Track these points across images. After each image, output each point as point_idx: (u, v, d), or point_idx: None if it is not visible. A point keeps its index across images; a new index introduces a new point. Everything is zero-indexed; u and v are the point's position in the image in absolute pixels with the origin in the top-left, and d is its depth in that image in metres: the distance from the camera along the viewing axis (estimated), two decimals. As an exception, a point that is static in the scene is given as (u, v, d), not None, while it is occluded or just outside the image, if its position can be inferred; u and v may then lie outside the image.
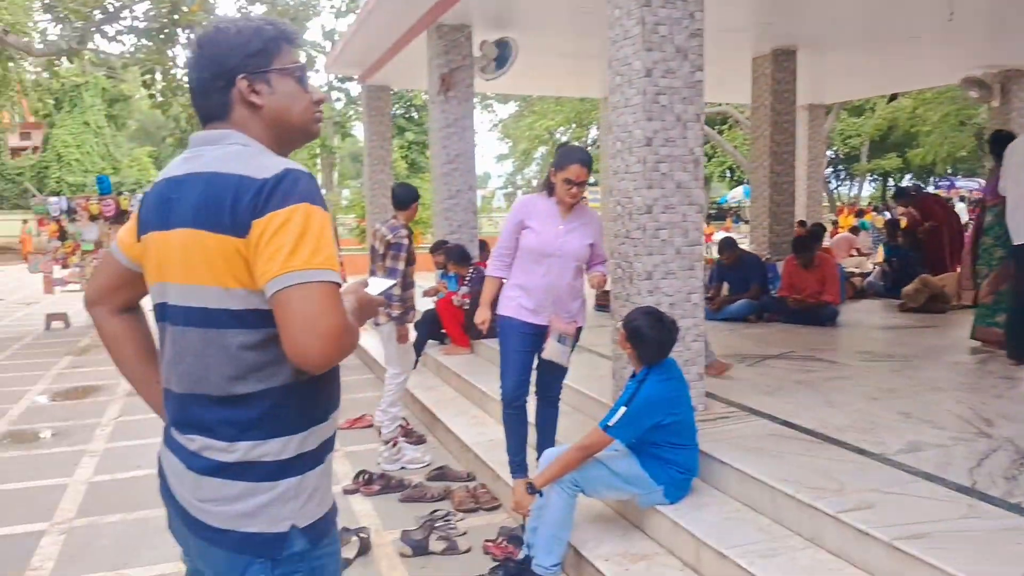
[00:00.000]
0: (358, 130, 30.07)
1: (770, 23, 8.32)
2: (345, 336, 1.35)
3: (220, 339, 1.43)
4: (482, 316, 4.09)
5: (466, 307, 6.66)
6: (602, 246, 3.90)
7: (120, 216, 11.15)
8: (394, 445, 4.98)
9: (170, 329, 1.53)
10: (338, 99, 20.50)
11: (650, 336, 3.28)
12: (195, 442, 1.47)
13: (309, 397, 1.49)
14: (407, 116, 26.44)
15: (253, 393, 1.44)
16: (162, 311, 1.56)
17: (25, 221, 28.88)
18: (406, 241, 4.82)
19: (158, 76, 11.21)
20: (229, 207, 1.37)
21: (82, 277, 11.26)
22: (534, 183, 51.62)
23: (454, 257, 6.89)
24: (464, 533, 3.89)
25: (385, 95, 11.25)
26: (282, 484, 1.46)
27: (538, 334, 3.84)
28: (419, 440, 5.46)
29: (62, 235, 11.11)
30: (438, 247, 7.25)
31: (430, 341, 7.00)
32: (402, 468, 4.89)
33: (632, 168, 4.10)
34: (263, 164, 1.40)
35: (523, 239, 3.87)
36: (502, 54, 7.75)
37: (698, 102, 4.14)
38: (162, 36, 9.64)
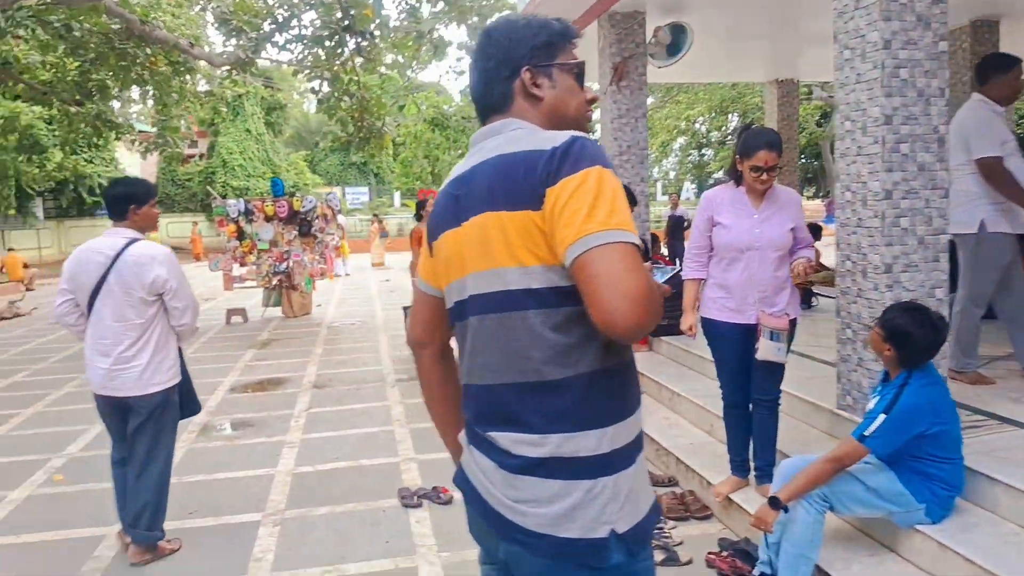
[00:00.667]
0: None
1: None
2: (652, 298, 1.26)
3: (523, 322, 1.37)
4: (688, 322, 3.83)
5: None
6: (805, 228, 3.55)
7: (293, 216, 11.64)
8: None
9: (471, 322, 1.48)
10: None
11: (918, 336, 2.91)
12: (504, 438, 1.41)
13: (618, 386, 1.42)
14: None
15: (562, 380, 1.37)
16: (460, 310, 1.52)
17: (195, 223, 31.18)
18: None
19: (324, 85, 11.58)
20: (522, 181, 1.35)
21: (258, 275, 11.86)
22: (671, 175, 50.54)
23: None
24: (680, 543, 3.65)
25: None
26: (599, 483, 1.36)
27: (747, 333, 3.55)
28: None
29: (240, 235, 11.72)
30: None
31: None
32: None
33: (867, 149, 3.71)
34: (549, 136, 1.38)
35: (716, 236, 3.59)
36: (676, 40, 7.41)
37: (942, 75, 3.70)
38: (331, 43, 9.93)
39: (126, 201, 3.46)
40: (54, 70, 10.79)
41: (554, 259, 1.33)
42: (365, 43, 9.67)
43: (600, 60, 7.47)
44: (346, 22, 9.33)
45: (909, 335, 2.92)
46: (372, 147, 12.00)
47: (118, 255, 3.36)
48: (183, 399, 3.69)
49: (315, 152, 43.58)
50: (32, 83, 10.59)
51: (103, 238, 3.46)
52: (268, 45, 10.79)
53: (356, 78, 10.82)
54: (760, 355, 3.50)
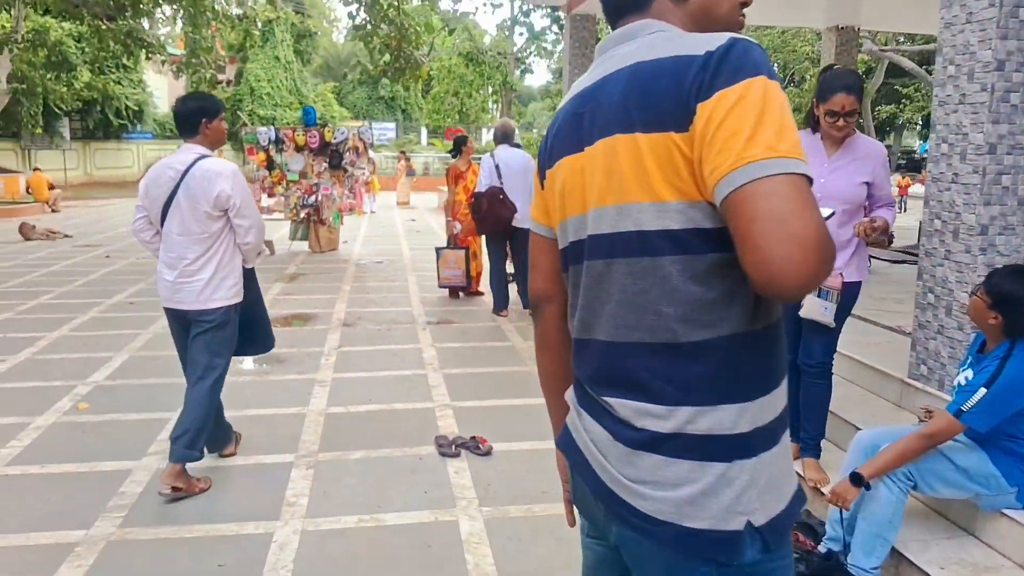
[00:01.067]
0: (537, 67, 29.55)
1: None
2: (827, 245, 0.99)
3: (657, 269, 1.12)
4: None
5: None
6: (886, 185, 3.22)
7: (324, 147, 11.35)
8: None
9: (589, 267, 1.24)
10: (520, 33, 19.96)
11: (1034, 303, 2.62)
12: (624, 407, 1.18)
13: (765, 352, 1.17)
14: None
15: (700, 343, 1.12)
16: (576, 251, 1.28)
17: (220, 152, 30.91)
18: None
19: (361, 10, 11.14)
20: (664, 94, 1.09)
21: (286, 207, 11.64)
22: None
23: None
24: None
25: (592, 25, 10.63)
26: (735, 466, 1.13)
27: None
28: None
29: (269, 165, 11.47)
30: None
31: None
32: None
33: (971, 97, 3.35)
34: (700, 39, 1.11)
35: None
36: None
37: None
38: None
39: (198, 115, 3.47)
40: (85, -17, 10.42)
41: (700, 194, 1.07)
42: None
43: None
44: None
45: (1020, 301, 2.63)
46: (408, 78, 11.59)
47: (187, 170, 3.40)
48: (254, 332, 3.75)
49: (343, 84, 42.95)
50: (62, -4, 10.24)
51: (175, 155, 3.50)
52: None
53: (396, 3, 10.37)
54: (804, 311, 3.24)
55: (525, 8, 20.29)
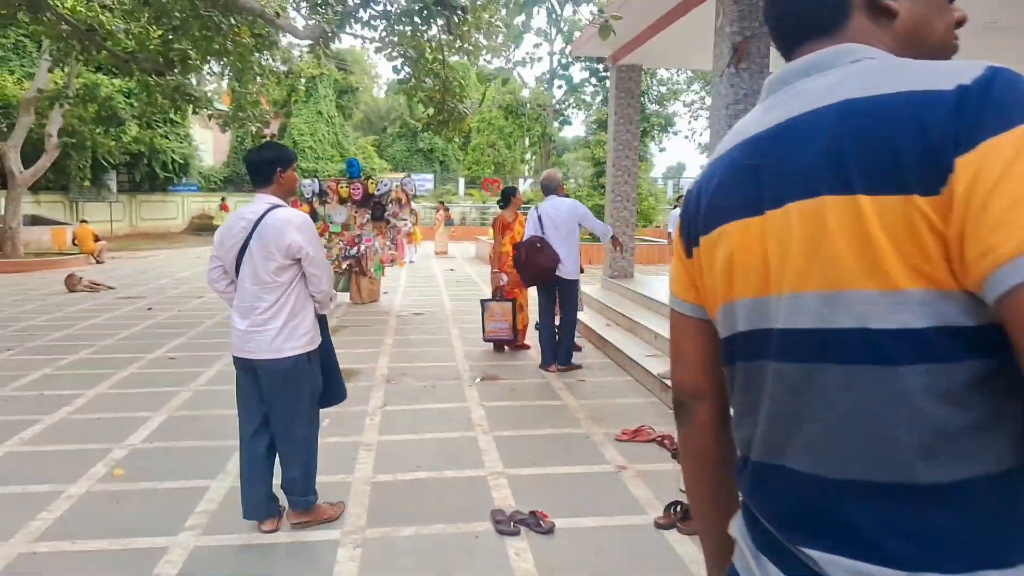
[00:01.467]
0: (574, 119, 29.74)
1: None
2: None
3: (889, 382, 0.82)
4: None
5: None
6: None
7: (367, 199, 11.27)
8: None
9: (779, 372, 0.94)
10: (559, 86, 20.01)
11: None
12: (837, 566, 0.87)
13: None
14: None
15: (951, 484, 0.82)
16: (751, 345, 0.99)
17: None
18: None
19: (406, 65, 11.14)
20: (900, 142, 0.80)
21: (329, 258, 11.53)
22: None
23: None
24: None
25: (636, 76, 10.50)
26: None
27: None
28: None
29: (313, 216, 11.40)
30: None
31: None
32: (714, 502, 4.10)
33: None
34: (939, 69, 0.84)
35: None
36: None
37: None
38: (419, 18, 9.46)
39: (273, 164, 3.49)
40: (136, 38, 10.58)
41: (955, 280, 0.79)
42: (456, 19, 9.17)
43: (717, 39, 6.81)
44: (436, -3, 8.84)
45: None
46: (451, 130, 11.53)
47: (259, 219, 3.41)
48: (328, 380, 3.74)
49: (383, 137, 43.61)
50: (115, 51, 10.39)
51: (248, 206, 3.53)
52: (352, 21, 10.39)
53: (441, 56, 10.34)
54: None
55: (564, 61, 20.36)
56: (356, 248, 11.49)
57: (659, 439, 5.08)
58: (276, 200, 3.50)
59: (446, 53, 10.63)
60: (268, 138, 32.66)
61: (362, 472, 4.48)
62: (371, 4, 10.36)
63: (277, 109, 33.76)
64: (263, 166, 3.48)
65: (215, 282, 3.59)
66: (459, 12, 9.18)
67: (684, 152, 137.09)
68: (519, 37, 12.69)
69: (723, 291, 1.02)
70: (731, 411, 1.07)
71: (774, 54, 6.77)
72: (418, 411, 5.78)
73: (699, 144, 41.49)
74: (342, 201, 11.31)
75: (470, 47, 10.41)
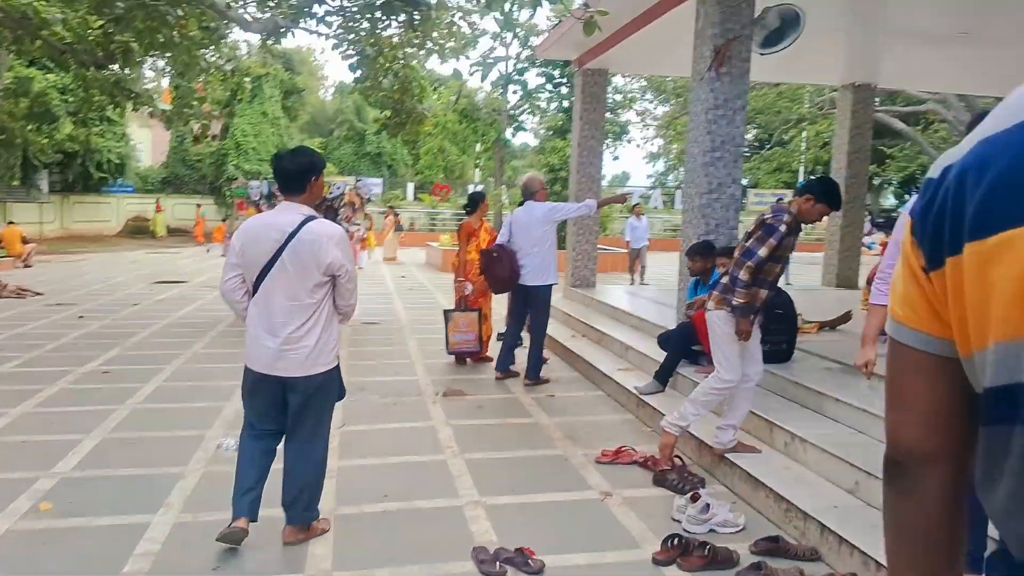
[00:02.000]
0: (526, 124, 29.49)
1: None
2: None
3: None
4: (865, 356, 2.97)
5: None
6: None
7: (320, 203, 10.74)
8: (695, 499, 3.91)
9: None
10: (515, 91, 19.73)
11: None
12: None
13: None
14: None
15: None
16: None
17: (199, 205, 30.23)
18: (783, 229, 4.07)
19: (362, 62, 10.69)
20: None
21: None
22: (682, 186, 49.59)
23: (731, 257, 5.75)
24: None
25: (602, 80, 10.26)
26: None
27: None
28: (697, 483, 4.36)
29: (260, 219, 10.86)
30: (701, 250, 6.12)
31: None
32: (711, 531, 3.80)
33: None
34: None
35: None
36: (785, 25, 6.54)
37: None
38: (379, 13, 9.03)
39: (308, 172, 3.30)
40: (74, 29, 9.87)
41: None
42: (419, 15, 8.77)
43: (697, 41, 6.57)
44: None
45: None
46: (409, 132, 11.10)
47: (294, 233, 3.19)
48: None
49: (329, 140, 42.73)
50: (51, 41, 9.65)
51: (278, 214, 3.32)
52: (306, 15, 9.90)
53: (401, 55, 9.93)
54: None
55: (520, 67, 20.08)
56: (307, 254, 10.96)
57: (641, 461, 4.76)
58: (309, 210, 3.31)
59: (406, 51, 10.21)
60: (210, 138, 31.58)
61: (324, 503, 4.02)
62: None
63: (220, 109, 32.73)
64: (299, 173, 3.28)
65: (232, 291, 3.38)
66: (422, 7, 8.78)
67: (630, 161, 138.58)
68: (473, 41, 12.34)
69: (1005, 322, 0.70)
70: (998, 493, 0.73)
71: (756, 58, 6.58)
72: (380, 431, 5.35)
73: (648, 153, 41.79)
74: (292, 204, 10.77)
75: (433, 46, 10.02)
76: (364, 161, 41.56)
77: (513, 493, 4.25)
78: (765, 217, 4.15)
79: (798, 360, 5.61)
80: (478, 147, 25.62)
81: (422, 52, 10.85)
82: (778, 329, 5.44)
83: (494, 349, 7.52)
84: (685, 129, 28.57)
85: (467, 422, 5.61)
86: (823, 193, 4.10)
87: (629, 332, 7.72)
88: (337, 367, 3.49)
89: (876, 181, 44.49)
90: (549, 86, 21.15)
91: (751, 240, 4.16)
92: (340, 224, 11.02)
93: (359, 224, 11.49)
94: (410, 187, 37.92)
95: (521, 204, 7.01)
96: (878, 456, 3.06)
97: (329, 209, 10.91)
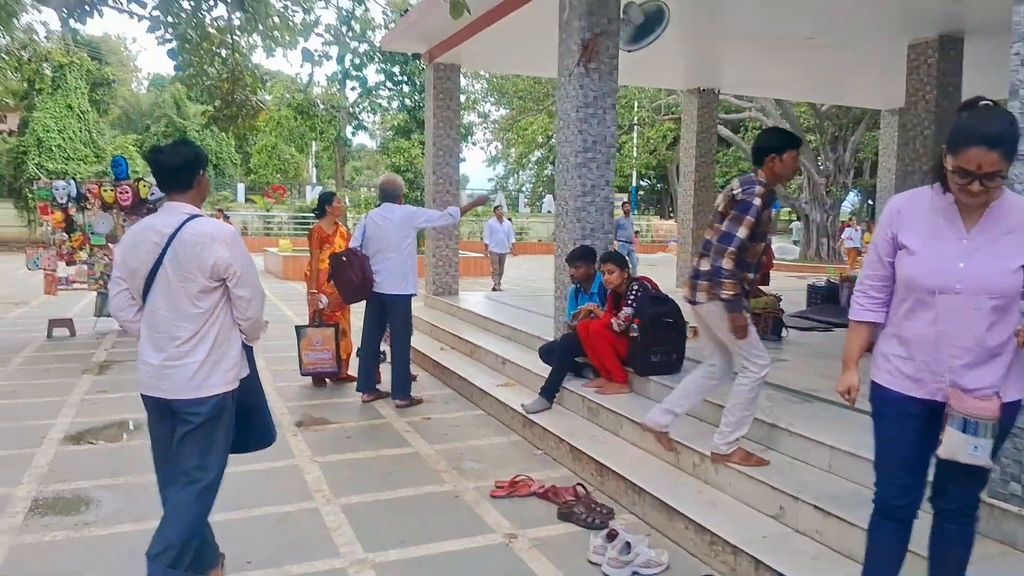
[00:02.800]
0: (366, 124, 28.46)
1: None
2: None
3: None
4: (847, 382, 2.61)
5: (634, 333, 5.18)
6: None
7: (138, 205, 9.52)
8: (612, 537, 3.51)
9: None
10: (353, 87, 18.85)
11: None
12: None
13: None
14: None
15: None
16: None
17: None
18: (757, 203, 3.61)
19: (185, 47, 9.57)
20: None
21: (90, 276, 9.60)
22: (526, 188, 50.29)
23: (619, 264, 5.42)
24: None
25: (455, 76, 9.75)
26: None
27: (932, 414, 2.39)
28: (606, 515, 3.98)
29: (69, 226, 9.45)
30: (584, 256, 5.77)
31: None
32: (634, 574, 3.40)
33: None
34: None
35: (899, 265, 2.42)
36: (649, 21, 6.33)
37: None
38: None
39: (194, 165, 2.95)
40: None
41: None
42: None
43: (563, 35, 6.22)
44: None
45: None
46: (241, 126, 10.05)
47: (174, 234, 2.84)
48: (252, 421, 3.15)
49: (145, 136, 39.43)
50: None
51: (158, 216, 2.94)
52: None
53: (229, 40, 8.92)
54: (942, 451, 2.33)
55: (357, 62, 19.18)
56: (127, 264, 9.67)
57: (541, 492, 4.31)
58: (193, 209, 2.93)
59: (234, 37, 9.21)
60: (5, 134, 28.05)
61: None
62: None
63: (16, 100, 29.14)
64: (183, 168, 2.91)
65: (121, 310, 2.99)
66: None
67: (470, 164, 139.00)
68: (308, 30, 11.47)
69: None
70: None
71: (623, 55, 6.32)
72: (231, 477, 4.51)
73: (489, 156, 41.81)
74: (106, 207, 9.47)
75: (267, 31, 9.10)
76: (186, 160, 38.64)
77: (404, 545, 3.65)
78: (734, 193, 3.67)
79: (687, 369, 5.37)
80: (315, 146, 24.35)
81: (253, 37, 9.87)
82: (667, 339, 5.18)
83: (356, 368, 6.84)
84: (526, 132, 28.68)
85: (336, 457, 4.92)
86: (777, 143, 3.69)
87: (503, 343, 7.27)
88: (233, 394, 2.98)
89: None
90: (390, 83, 20.40)
91: (725, 222, 3.66)
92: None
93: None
94: (240, 188, 35.71)
95: (377, 206, 6.38)
96: (800, 476, 2.74)
97: (151, 212, 9.72)
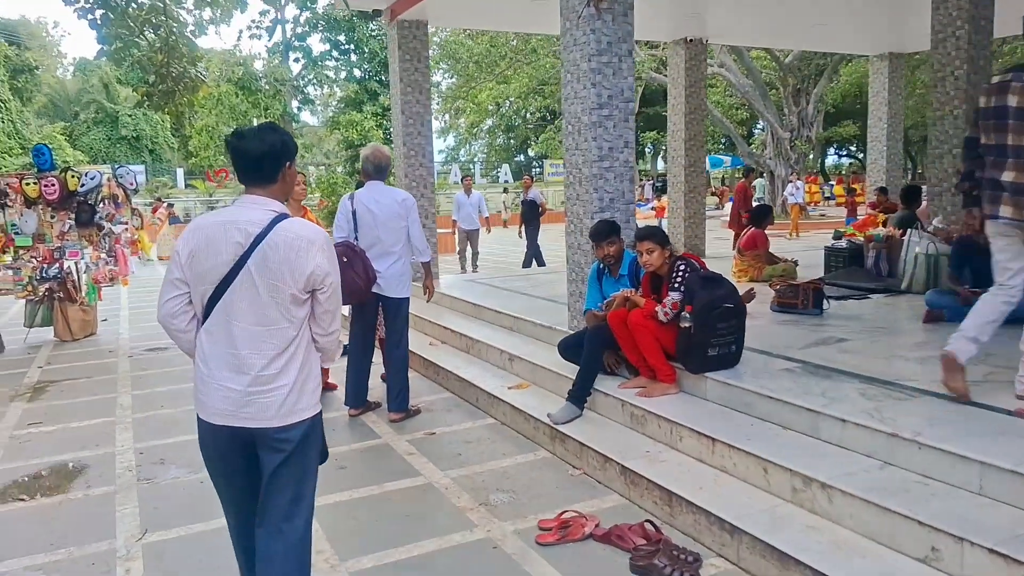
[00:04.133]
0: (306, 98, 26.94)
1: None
2: None
3: None
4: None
5: (685, 324, 4.30)
6: None
7: (67, 199, 8.33)
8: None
9: None
10: (296, 59, 17.54)
11: None
12: None
13: None
14: (379, 79, 23.08)
15: None
16: None
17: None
18: None
19: (108, 15, 8.35)
20: None
21: (17, 282, 8.40)
22: (479, 159, 49.13)
23: (659, 240, 4.53)
24: None
25: (423, 34, 8.69)
26: None
27: None
28: (694, 563, 3.14)
29: (-13, 226, 8.22)
30: (614, 230, 4.86)
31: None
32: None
33: None
34: None
35: None
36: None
37: None
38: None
39: (281, 155, 2.47)
40: None
41: None
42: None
43: (568, -29, 5.24)
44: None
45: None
46: (179, 102, 8.84)
47: (263, 234, 2.36)
48: None
49: (74, 124, 37.18)
50: None
51: (238, 210, 2.44)
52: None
53: (161, 4, 7.73)
54: None
55: (300, 32, 17.82)
56: (58, 266, 8.49)
57: (600, 534, 3.44)
58: (280, 206, 2.52)
59: (166, 2, 8.01)
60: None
61: None
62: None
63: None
64: (269, 157, 2.46)
65: (173, 316, 2.52)
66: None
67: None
68: (241, 2, 10.27)
69: None
70: None
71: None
72: (206, 535, 3.58)
73: (439, 127, 40.47)
74: (29, 203, 8.27)
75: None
76: (120, 146, 36.61)
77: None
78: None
79: (747, 360, 4.54)
80: (254, 122, 22.91)
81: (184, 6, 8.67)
82: (727, 328, 4.32)
83: (337, 375, 5.88)
84: (478, 100, 27.37)
85: (332, 497, 3.97)
86: None
87: (507, 336, 6.34)
88: (320, 414, 2.60)
89: (649, 148, 46.69)
90: (336, 52, 19.08)
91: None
92: (100, 224, 8.78)
93: (126, 222, 9.14)
94: (179, 173, 33.87)
95: (359, 186, 5.37)
96: (945, 504, 1.88)
97: (83, 206, 8.54)
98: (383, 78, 23.62)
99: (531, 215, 13.08)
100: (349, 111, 20.27)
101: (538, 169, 39.62)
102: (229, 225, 2.44)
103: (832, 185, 35.69)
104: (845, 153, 50.40)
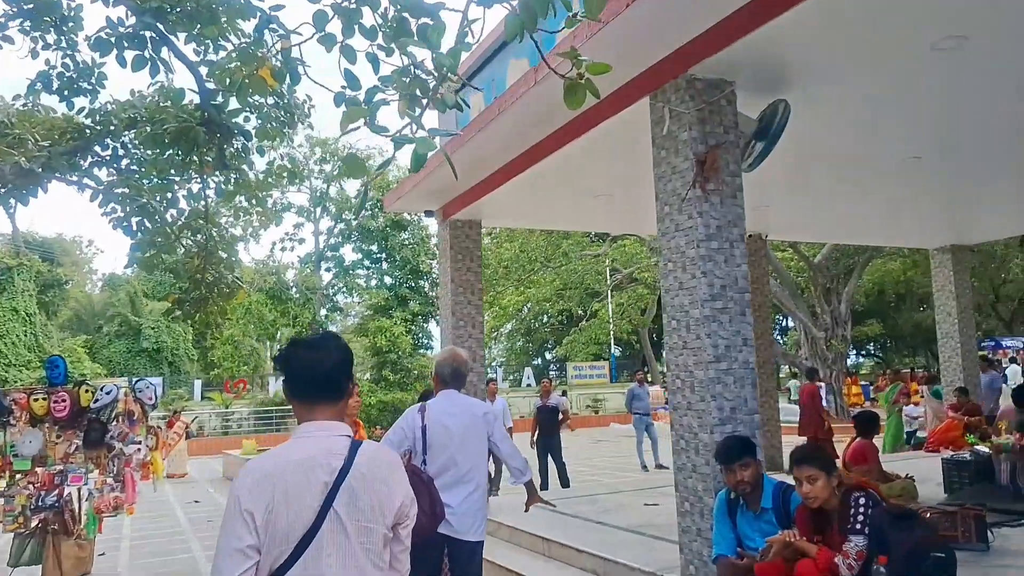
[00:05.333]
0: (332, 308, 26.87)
1: None
2: None
3: None
4: None
5: (881, 581, 3.17)
6: None
7: (77, 416, 7.44)
8: None
9: None
10: (328, 268, 17.39)
11: None
12: None
13: None
14: (410, 285, 22.98)
15: None
16: None
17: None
18: None
19: (145, 221, 7.94)
20: None
21: (7, 512, 7.30)
22: (498, 362, 48.70)
23: (824, 464, 3.50)
24: None
25: (476, 234, 8.21)
26: None
27: None
28: None
29: (-17, 448, 7.29)
30: (747, 449, 3.85)
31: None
32: None
33: None
34: None
35: None
36: (765, 127, 4.87)
37: None
38: (175, 151, 6.50)
39: (347, 368, 2.17)
40: None
41: None
42: (234, 148, 6.36)
43: (661, 153, 4.71)
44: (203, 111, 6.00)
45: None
46: (212, 310, 8.17)
47: (346, 468, 1.99)
48: None
49: (96, 337, 37.23)
50: None
51: (312, 442, 2.04)
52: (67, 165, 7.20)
53: (203, 206, 7.31)
54: None
55: (334, 242, 17.87)
56: (56, 493, 7.42)
57: None
58: (345, 428, 2.10)
59: (210, 200, 7.61)
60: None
61: None
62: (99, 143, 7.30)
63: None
64: (336, 372, 2.09)
65: None
66: (240, 137, 6.34)
67: (434, 338, 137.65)
68: (278, 215, 10.03)
69: None
70: None
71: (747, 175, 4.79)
72: None
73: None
74: (35, 421, 7.36)
75: (248, 202, 7.56)
76: (140, 359, 36.36)
77: None
78: None
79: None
80: (282, 333, 22.56)
81: (227, 208, 8.28)
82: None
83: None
84: (504, 304, 27.25)
85: None
86: None
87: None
88: None
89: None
90: (367, 261, 19.05)
91: None
92: (111, 444, 7.83)
93: (139, 443, 8.16)
94: (197, 385, 33.29)
95: (425, 397, 4.45)
96: None
97: (94, 424, 7.62)
98: (413, 284, 23.58)
99: (551, 425, 11.64)
100: (378, 317, 19.91)
101: (555, 371, 38.93)
102: (310, 464, 1.98)
103: (869, 387, 34.69)
104: (865, 353, 49.82)
